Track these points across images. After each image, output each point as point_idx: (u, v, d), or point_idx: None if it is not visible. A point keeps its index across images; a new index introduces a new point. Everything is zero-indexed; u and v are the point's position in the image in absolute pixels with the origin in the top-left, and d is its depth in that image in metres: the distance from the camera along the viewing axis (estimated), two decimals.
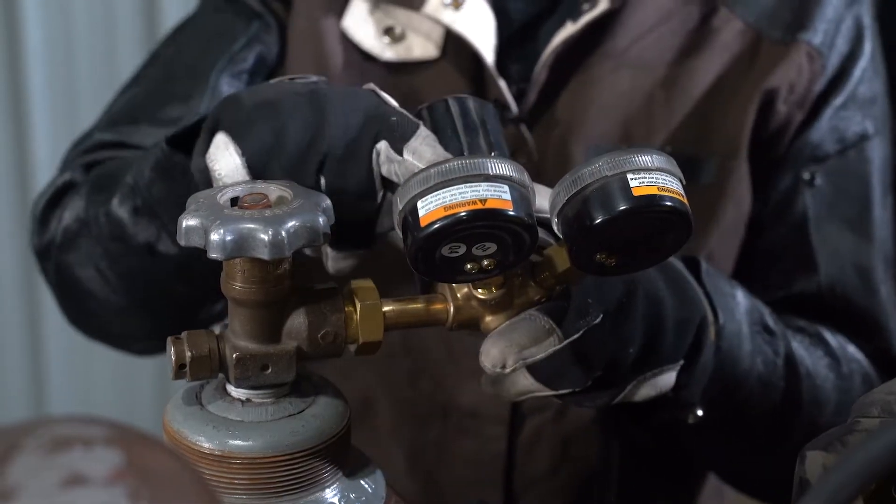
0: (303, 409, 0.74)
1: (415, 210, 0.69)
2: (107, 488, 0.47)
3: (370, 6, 1.07)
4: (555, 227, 0.73)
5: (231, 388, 0.74)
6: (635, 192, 0.70)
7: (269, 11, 1.11)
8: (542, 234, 0.73)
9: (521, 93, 1.04)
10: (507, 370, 0.76)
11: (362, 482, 0.76)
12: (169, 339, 0.73)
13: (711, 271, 0.90)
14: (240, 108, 0.79)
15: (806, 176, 1.07)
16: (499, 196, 0.69)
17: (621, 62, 1.04)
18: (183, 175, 0.86)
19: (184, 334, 0.73)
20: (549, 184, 0.74)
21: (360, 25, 1.07)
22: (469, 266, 0.71)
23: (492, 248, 0.70)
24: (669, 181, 0.71)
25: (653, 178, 0.71)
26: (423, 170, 0.70)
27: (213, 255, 0.69)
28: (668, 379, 0.83)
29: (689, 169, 1.02)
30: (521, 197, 0.70)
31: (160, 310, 1.04)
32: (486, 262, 0.71)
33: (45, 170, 1.90)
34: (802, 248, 1.06)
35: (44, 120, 1.88)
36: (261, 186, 0.74)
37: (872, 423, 0.64)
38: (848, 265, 1.07)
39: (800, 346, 0.98)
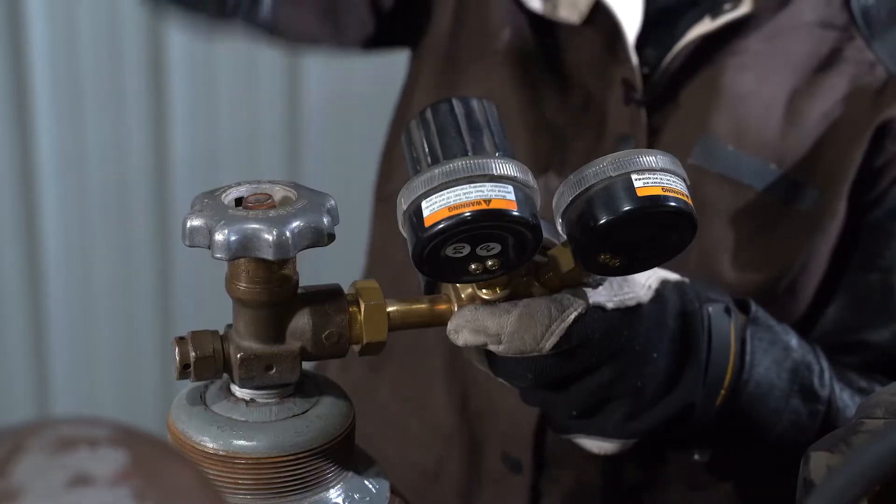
0: (307, 409, 0.74)
1: (419, 210, 0.69)
2: (112, 488, 0.47)
3: None
4: (559, 228, 0.73)
5: (235, 389, 0.74)
6: (640, 193, 0.70)
7: None
8: (546, 234, 0.73)
9: (648, 76, 1.05)
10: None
11: (366, 482, 0.76)
12: (173, 340, 0.73)
13: (762, 319, 0.89)
14: None
15: None
16: (503, 196, 0.69)
17: (747, 63, 1.03)
18: None
19: (188, 335, 0.73)
20: None
21: None
22: (473, 266, 0.71)
23: (496, 248, 0.70)
24: (674, 182, 0.71)
25: (657, 178, 0.71)
26: (427, 170, 0.70)
27: (218, 255, 0.69)
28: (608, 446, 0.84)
29: (791, 194, 1.01)
30: (526, 197, 0.70)
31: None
32: (490, 263, 0.71)
33: (49, 172, 1.90)
34: (885, 295, 1.03)
35: (47, 122, 1.88)
36: (265, 186, 0.73)
37: (877, 425, 0.64)
38: None
39: (853, 407, 0.94)
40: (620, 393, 0.81)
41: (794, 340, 0.91)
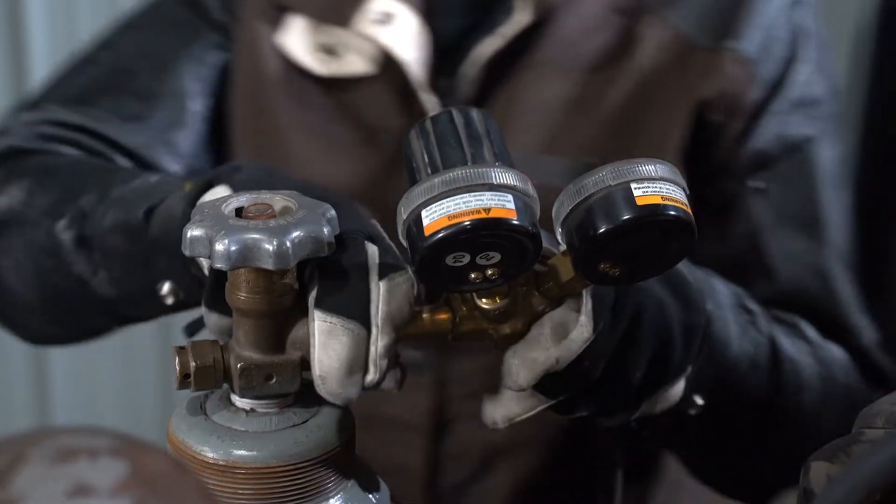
0: (307, 418, 0.74)
1: (419, 219, 0.69)
2: (112, 499, 0.47)
3: (305, 23, 1.09)
4: (558, 237, 0.73)
5: (235, 398, 0.74)
6: (639, 202, 0.70)
7: (230, 23, 1.14)
8: (545, 243, 0.73)
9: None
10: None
11: (367, 492, 0.76)
12: (173, 349, 0.73)
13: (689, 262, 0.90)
14: (241, 171, 0.81)
15: (754, 185, 1.06)
16: (503, 205, 0.69)
17: (545, 71, 1.05)
18: (148, 242, 0.86)
19: (188, 344, 0.74)
20: None
21: (296, 41, 1.09)
22: (473, 276, 0.71)
23: (496, 257, 0.70)
24: (673, 190, 0.71)
25: (657, 187, 0.71)
26: (426, 179, 0.70)
27: (218, 265, 0.69)
28: (678, 389, 0.85)
29: None
30: (525, 206, 0.70)
31: (69, 325, 1.04)
32: (490, 272, 0.71)
33: None
34: (758, 256, 1.06)
35: None
36: (265, 196, 0.74)
37: (877, 434, 0.64)
38: (804, 269, 1.07)
39: (780, 332, 0.97)
40: (673, 331, 0.82)
41: (713, 276, 0.92)
